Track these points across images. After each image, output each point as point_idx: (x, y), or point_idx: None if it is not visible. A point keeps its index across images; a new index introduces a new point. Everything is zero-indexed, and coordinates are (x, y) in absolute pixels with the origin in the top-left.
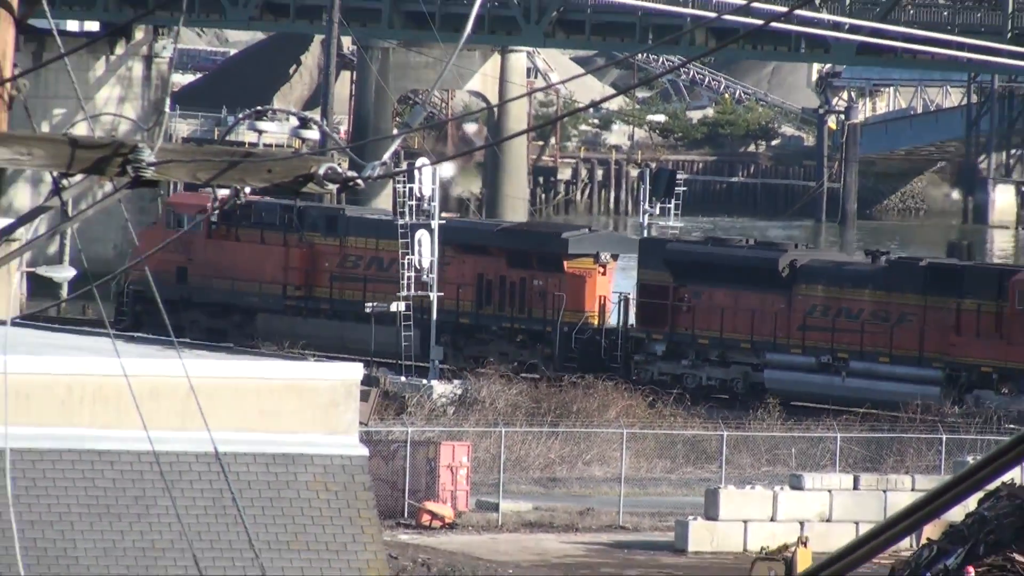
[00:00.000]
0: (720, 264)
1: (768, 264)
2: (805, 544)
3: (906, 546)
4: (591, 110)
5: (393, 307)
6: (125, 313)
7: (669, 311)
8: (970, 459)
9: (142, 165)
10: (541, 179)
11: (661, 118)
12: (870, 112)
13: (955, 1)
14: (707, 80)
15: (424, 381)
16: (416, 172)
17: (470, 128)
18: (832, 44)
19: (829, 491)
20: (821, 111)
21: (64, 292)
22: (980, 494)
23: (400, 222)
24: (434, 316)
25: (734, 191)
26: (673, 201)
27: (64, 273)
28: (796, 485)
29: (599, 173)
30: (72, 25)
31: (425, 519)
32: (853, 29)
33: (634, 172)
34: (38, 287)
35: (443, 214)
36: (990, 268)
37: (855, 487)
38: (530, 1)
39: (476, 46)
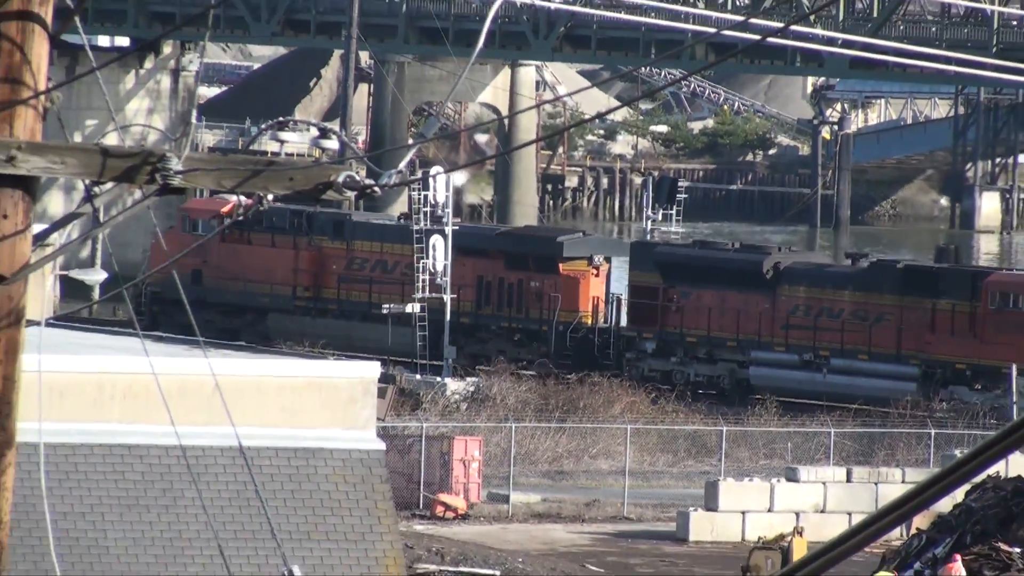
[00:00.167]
0: (707, 266)
1: (753, 266)
2: (800, 534)
3: (897, 535)
4: (597, 121)
5: (408, 308)
6: (143, 313)
7: (659, 311)
8: (957, 453)
9: (170, 173)
10: (549, 187)
11: (663, 129)
12: (862, 123)
13: (943, 17)
14: (707, 92)
15: (438, 379)
16: (431, 180)
17: (482, 138)
18: (826, 58)
19: (823, 483)
20: (815, 122)
21: (96, 294)
22: (967, 486)
23: (415, 227)
24: (447, 317)
25: (733, 198)
26: (675, 207)
27: (96, 276)
28: (792, 478)
29: (604, 181)
30: (103, 41)
31: (439, 510)
32: (846, 44)
33: (638, 180)
34: (71, 289)
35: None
36: (964, 270)
37: (848, 480)
38: (539, 17)
39: (487, 60)
